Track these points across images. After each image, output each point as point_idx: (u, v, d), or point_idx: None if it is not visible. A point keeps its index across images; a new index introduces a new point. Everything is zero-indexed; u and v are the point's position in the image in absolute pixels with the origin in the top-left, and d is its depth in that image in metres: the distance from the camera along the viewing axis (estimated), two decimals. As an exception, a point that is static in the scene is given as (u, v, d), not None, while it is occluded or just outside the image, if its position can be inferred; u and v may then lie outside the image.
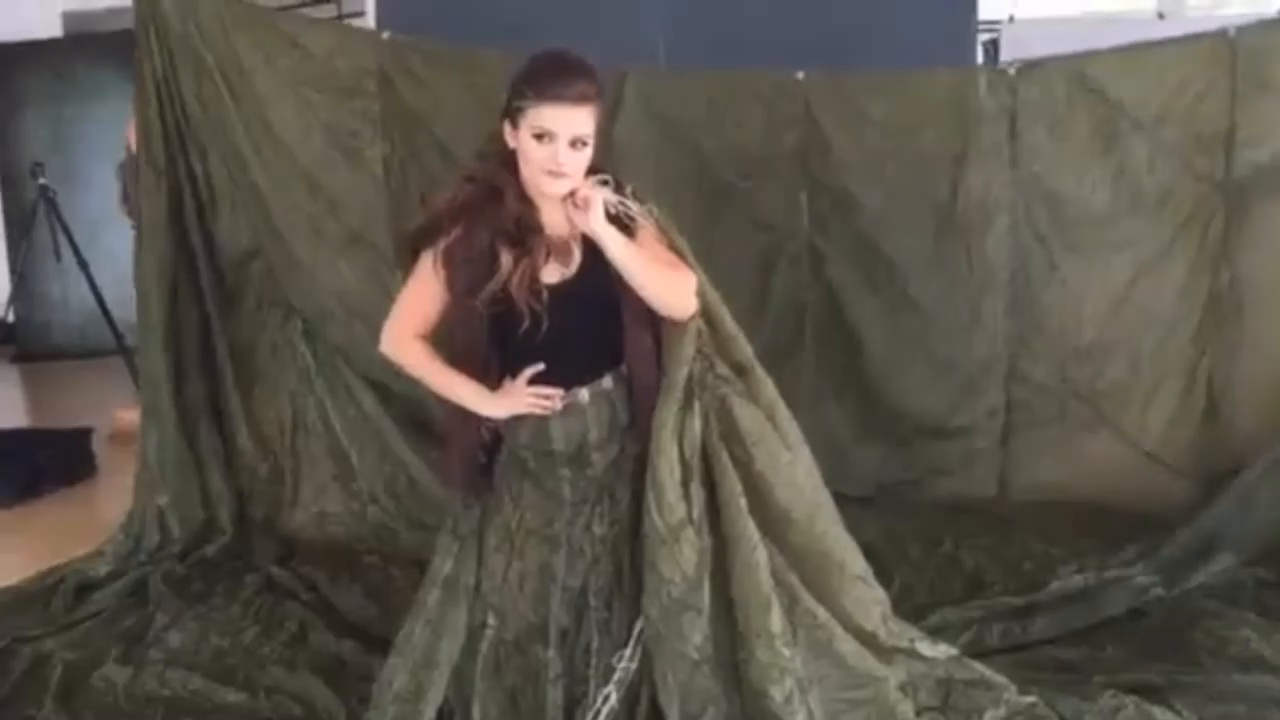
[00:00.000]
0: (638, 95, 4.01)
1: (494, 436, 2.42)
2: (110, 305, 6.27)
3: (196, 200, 3.99)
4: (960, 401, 4.14)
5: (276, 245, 4.02)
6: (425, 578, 2.46)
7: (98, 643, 3.28)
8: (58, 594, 3.57)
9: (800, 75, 4.04)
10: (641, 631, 2.31)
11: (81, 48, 7.93)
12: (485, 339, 2.28)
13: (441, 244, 2.23)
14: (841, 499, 3.81)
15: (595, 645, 2.36)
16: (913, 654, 2.50)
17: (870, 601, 2.45)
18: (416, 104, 3.92)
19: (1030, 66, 3.95)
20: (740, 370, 2.39)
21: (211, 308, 4.05)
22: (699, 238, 3.90)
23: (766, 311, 4.13)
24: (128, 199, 4.16)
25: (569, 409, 2.33)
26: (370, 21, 5.53)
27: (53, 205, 6.23)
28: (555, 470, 2.38)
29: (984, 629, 3.15)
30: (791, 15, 4.68)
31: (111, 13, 7.53)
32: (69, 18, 8.29)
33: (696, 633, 2.27)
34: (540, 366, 2.28)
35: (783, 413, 2.41)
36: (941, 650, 2.54)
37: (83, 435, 5.11)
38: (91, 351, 7.34)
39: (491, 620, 2.38)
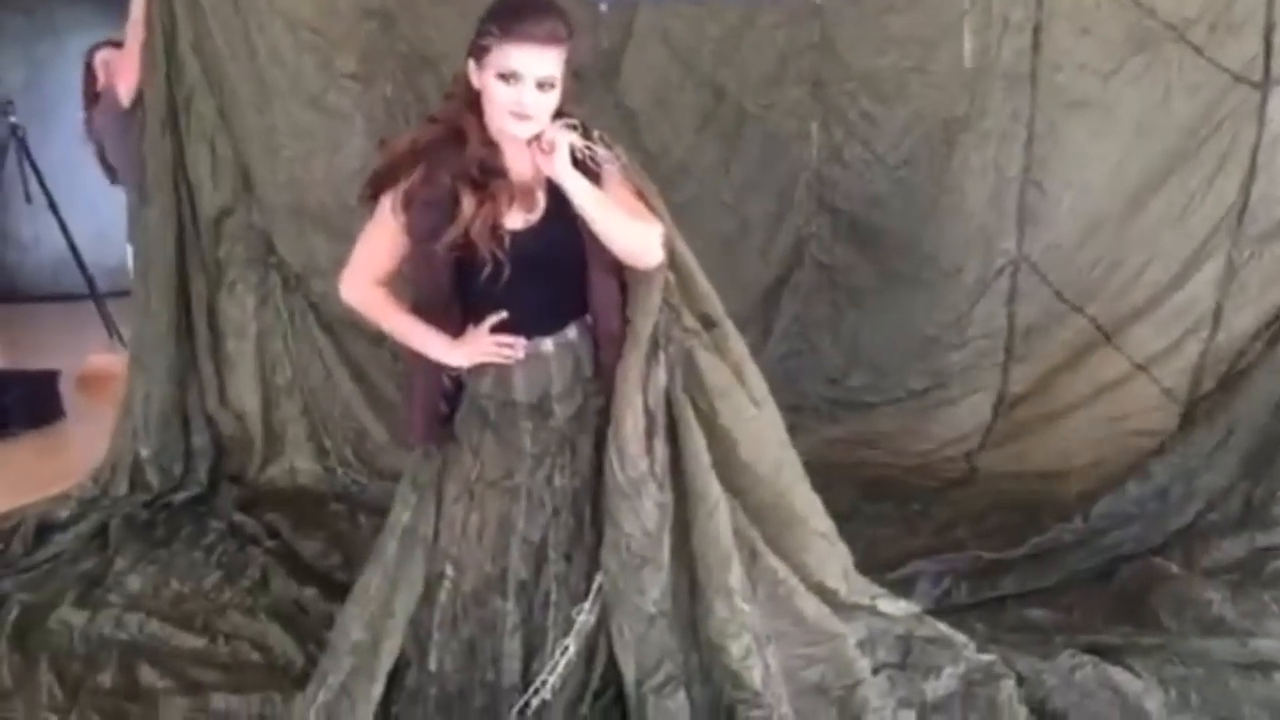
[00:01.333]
0: (650, 27, 3.95)
1: (456, 385, 2.37)
2: (82, 248, 6.19)
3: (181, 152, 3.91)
4: (963, 319, 4.08)
5: (264, 192, 3.94)
6: (384, 528, 2.42)
7: (55, 584, 3.26)
8: (17, 535, 3.53)
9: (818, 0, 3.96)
10: (601, 585, 2.28)
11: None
12: (447, 285, 2.23)
13: (401, 186, 2.17)
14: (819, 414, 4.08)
15: (554, 598, 2.33)
16: (874, 611, 2.49)
17: (832, 558, 2.43)
18: (421, 45, 3.84)
19: None
20: (708, 323, 2.35)
21: (190, 266, 3.98)
22: (716, 170, 4.03)
23: (777, 241, 4.14)
24: (106, 158, 4.05)
25: (532, 358, 2.29)
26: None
27: (23, 145, 6.12)
28: (517, 421, 2.34)
29: (954, 584, 3.14)
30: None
31: (89, -51, 7.39)
32: (43, -47, 8.11)
33: (655, 587, 2.25)
34: (503, 314, 2.24)
35: (751, 368, 2.38)
36: (902, 607, 2.53)
37: (49, 378, 5.05)
38: (63, 294, 7.25)
39: (449, 571, 2.35)
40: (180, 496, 3.85)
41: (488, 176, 2.16)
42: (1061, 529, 3.27)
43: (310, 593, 3.12)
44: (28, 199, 6.18)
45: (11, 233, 7.81)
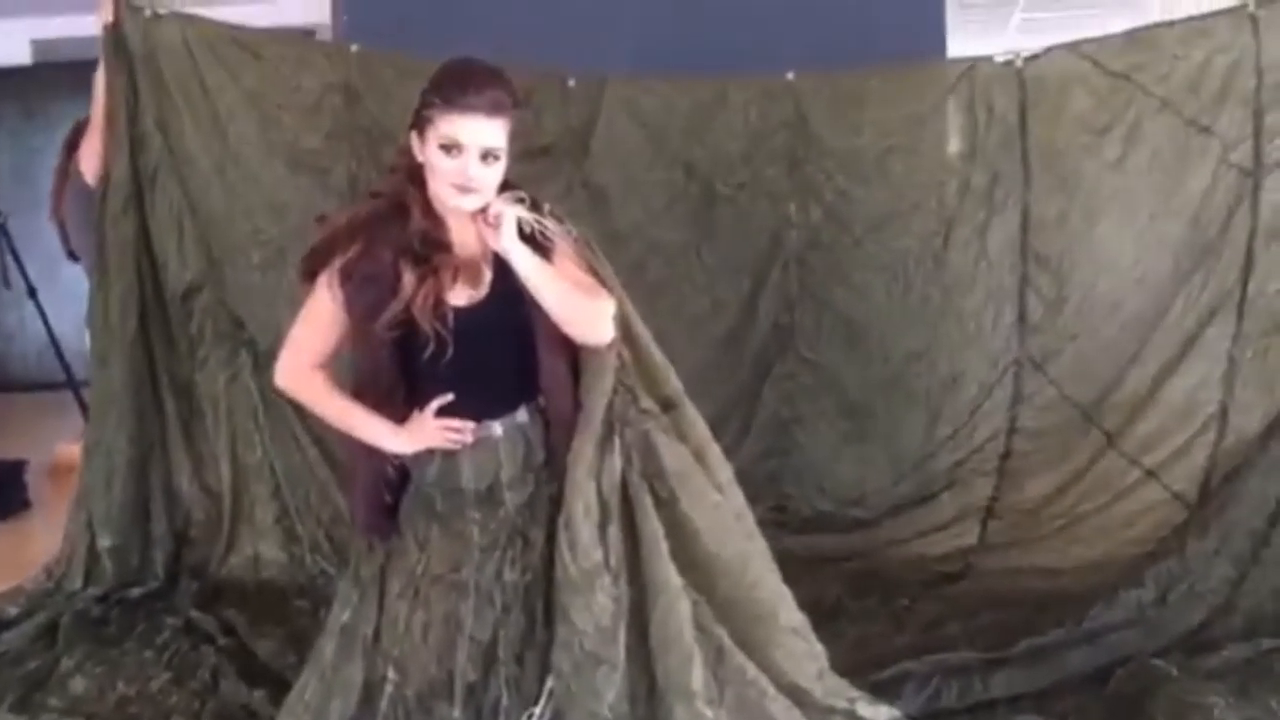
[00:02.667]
0: (618, 102, 3.88)
1: (401, 474, 2.23)
2: (67, 336, 6.08)
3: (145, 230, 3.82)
4: (959, 430, 3.91)
5: (235, 272, 3.84)
6: (323, 628, 2.27)
7: (-4, 687, 3.07)
8: (-38, 635, 3.35)
9: (790, 76, 3.89)
10: (552, 688, 2.12)
11: (50, 77, 7.77)
12: (389, 367, 2.11)
13: (338, 262, 2.06)
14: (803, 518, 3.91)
15: (505, 702, 2.16)
16: (851, 716, 2.31)
17: (805, 656, 2.27)
18: (386, 120, 3.76)
19: (1036, 56, 3.75)
20: (667, 405, 2.22)
21: (156, 343, 3.86)
22: (687, 250, 3.93)
23: (754, 327, 4.00)
24: (69, 238, 3.97)
25: (480, 444, 2.16)
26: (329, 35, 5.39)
27: (3, 231, 6.04)
28: (464, 511, 2.20)
29: (943, 686, 2.95)
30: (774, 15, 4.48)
31: (82, 42, 7.38)
32: (38, 46, 8.14)
33: (610, 689, 2.08)
34: (449, 397, 2.11)
35: (714, 451, 2.24)
36: (884, 713, 2.36)
37: (15, 468, 4.91)
38: (48, 383, 7.14)
39: (392, 674, 2.18)
40: (136, 592, 3.68)
41: (431, 251, 2.05)
42: (1056, 632, 3.08)
43: (260, 695, 2.93)
44: (6, 285, 6.07)
45: (3, 322, 7.73)
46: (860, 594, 3.62)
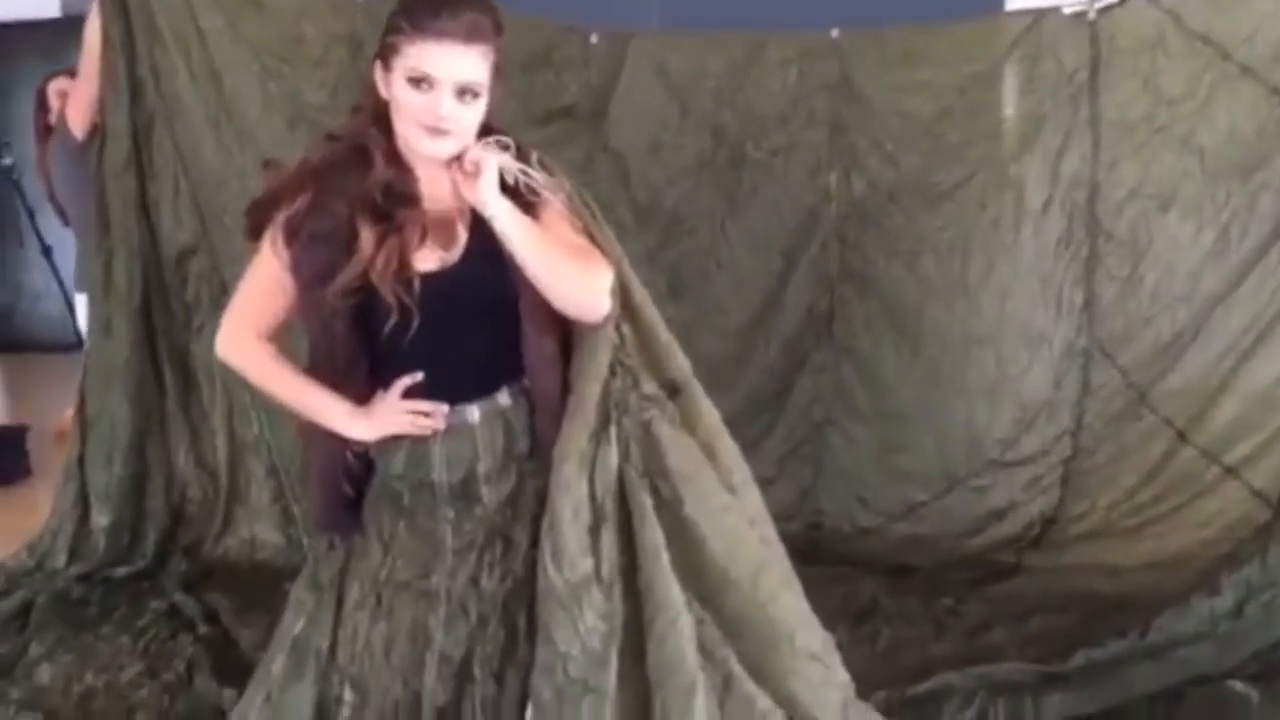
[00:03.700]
0: (643, 60, 3.57)
1: (363, 463, 1.94)
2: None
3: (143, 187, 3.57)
4: (1021, 430, 3.56)
5: (227, 236, 3.58)
6: (273, 639, 1.99)
7: (-43, 673, 2.86)
8: (-68, 615, 3.14)
9: (835, 33, 3.55)
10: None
11: (79, 30, 7.55)
12: (346, 340, 1.82)
13: (282, 215, 1.77)
14: (842, 536, 3.60)
15: (479, 728, 1.88)
16: (880, 757, 2.00)
17: (827, 685, 1.96)
18: None
19: (1111, 6, 3.41)
20: (673, 390, 1.91)
21: (155, 309, 3.61)
22: (712, 223, 3.63)
23: (784, 311, 3.66)
24: (56, 197, 3.73)
25: (453, 430, 1.87)
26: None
27: (17, 187, 5.85)
28: (435, 508, 1.91)
29: (988, 703, 2.64)
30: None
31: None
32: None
33: (598, 722, 1.78)
34: (418, 376, 1.82)
35: (726, 445, 1.94)
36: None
37: (16, 434, 4.70)
38: (70, 345, 6.98)
39: (349, 696, 1.89)
40: (121, 571, 3.46)
41: (394, 205, 1.75)
42: (1117, 643, 2.76)
43: (230, 695, 2.67)
44: (20, 243, 5.90)
45: (21, 280, 7.55)
46: (898, 592, 3.34)
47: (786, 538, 3.36)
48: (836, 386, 3.71)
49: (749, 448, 3.47)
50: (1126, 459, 3.46)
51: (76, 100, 3.52)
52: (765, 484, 3.39)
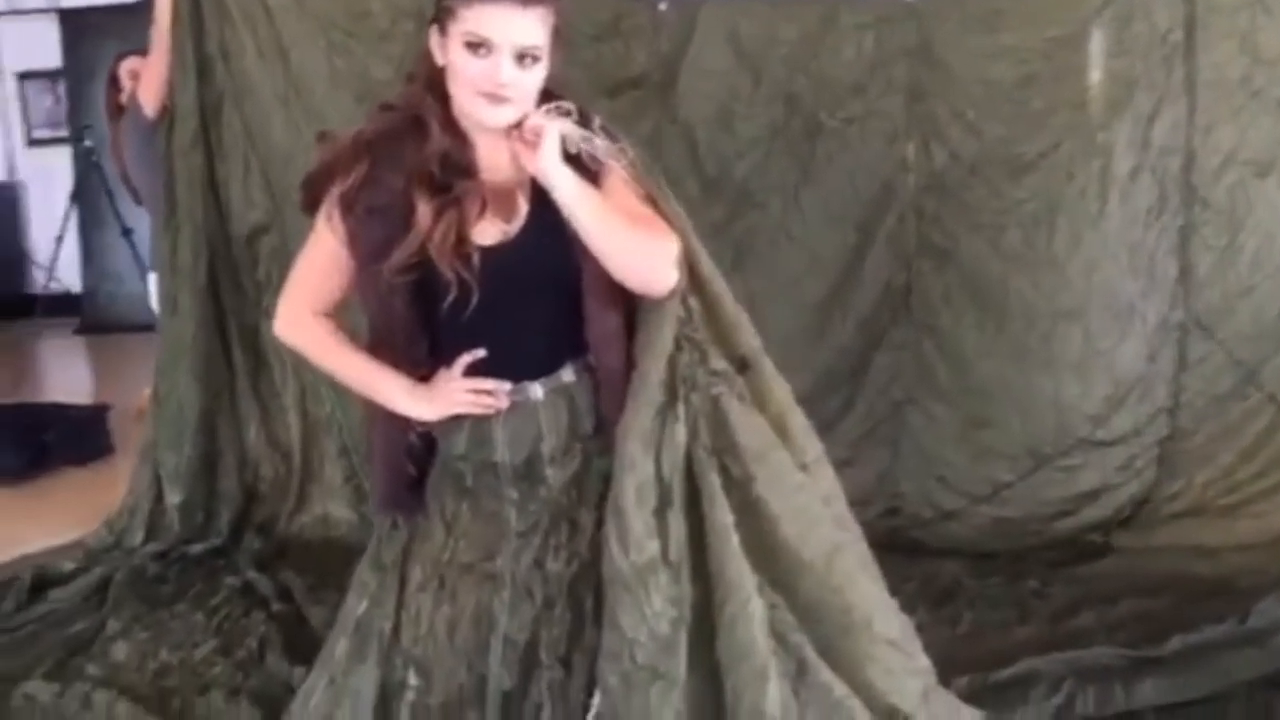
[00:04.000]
0: (714, 28, 3.45)
1: (426, 442, 1.90)
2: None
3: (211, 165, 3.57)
4: (1112, 407, 3.41)
5: (298, 214, 3.56)
6: (337, 621, 1.96)
7: (36, 650, 2.92)
8: (12, 590, 3.20)
9: None
10: (598, 709, 1.77)
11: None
12: (406, 317, 1.77)
13: (337, 189, 1.72)
14: (922, 520, 3.50)
15: (547, 714, 1.82)
16: (964, 746, 1.92)
17: (906, 673, 1.87)
18: None
19: None
20: (742, 365, 1.83)
21: (224, 288, 3.62)
22: (784, 194, 3.52)
23: (861, 287, 3.53)
24: (129, 177, 3.75)
25: (516, 409, 1.81)
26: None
27: (97, 169, 5.94)
28: (499, 489, 1.85)
29: (1077, 690, 2.53)
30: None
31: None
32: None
33: (667, 709, 1.72)
34: (479, 353, 1.77)
35: (798, 422, 1.86)
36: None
37: (98, 412, 4.78)
38: (151, 324, 7.09)
39: (413, 679, 1.85)
40: (197, 548, 3.49)
41: (452, 176, 1.70)
42: (1214, 628, 2.63)
43: (301, 673, 2.64)
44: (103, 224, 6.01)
45: (109, 262, 7.69)
46: (981, 573, 3.24)
47: (863, 523, 3.30)
48: (916, 364, 3.57)
49: (824, 428, 3.37)
50: (1226, 437, 3.30)
51: (148, 79, 3.53)
52: (841, 466, 3.28)
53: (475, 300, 1.69)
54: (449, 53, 1.68)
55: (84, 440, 4.61)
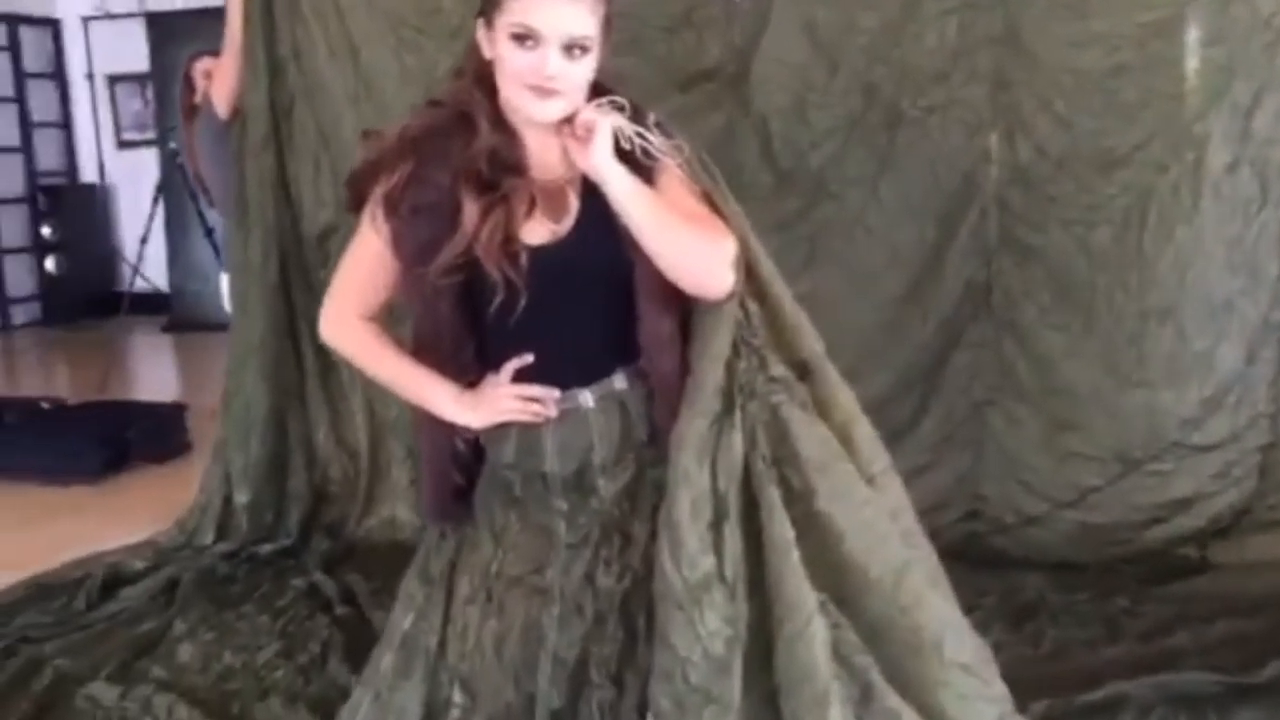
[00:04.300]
0: (790, 17, 3.33)
1: (474, 450, 1.84)
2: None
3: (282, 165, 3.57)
4: (1208, 412, 3.22)
5: None
6: (383, 634, 1.90)
7: (102, 650, 2.91)
8: (83, 589, 3.22)
9: None
10: (650, 730, 1.69)
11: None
12: (452, 320, 1.71)
13: (381, 188, 1.66)
14: (1004, 526, 3.37)
15: (598, 733, 1.75)
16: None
17: (981, 699, 1.76)
18: None
19: None
20: (803, 371, 1.74)
21: (295, 288, 3.61)
22: (862, 187, 3.38)
23: (941, 282, 3.38)
24: (201, 177, 3.78)
25: (566, 417, 1.74)
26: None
27: (182, 170, 6.01)
28: (548, 500, 1.79)
29: (1169, 716, 2.39)
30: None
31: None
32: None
33: (721, 734, 1.64)
34: (528, 359, 1.70)
35: (864, 431, 1.76)
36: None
37: (176, 411, 4.83)
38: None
39: (458, 697, 1.79)
40: (266, 548, 3.48)
41: (500, 174, 1.63)
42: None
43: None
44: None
45: (195, 261, 7.82)
46: (1066, 587, 3.07)
47: (943, 529, 3.21)
48: (997, 363, 3.42)
49: (902, 430, 3.33)
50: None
51: (220, 80, 3.53)
52: (920, 470, 3.29)
53: (523, 302, 1.62)
54: (496, 45, 1.62)
55: (163, 438, 4.68)
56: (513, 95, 1.62)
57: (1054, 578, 3.13)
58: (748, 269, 1.70)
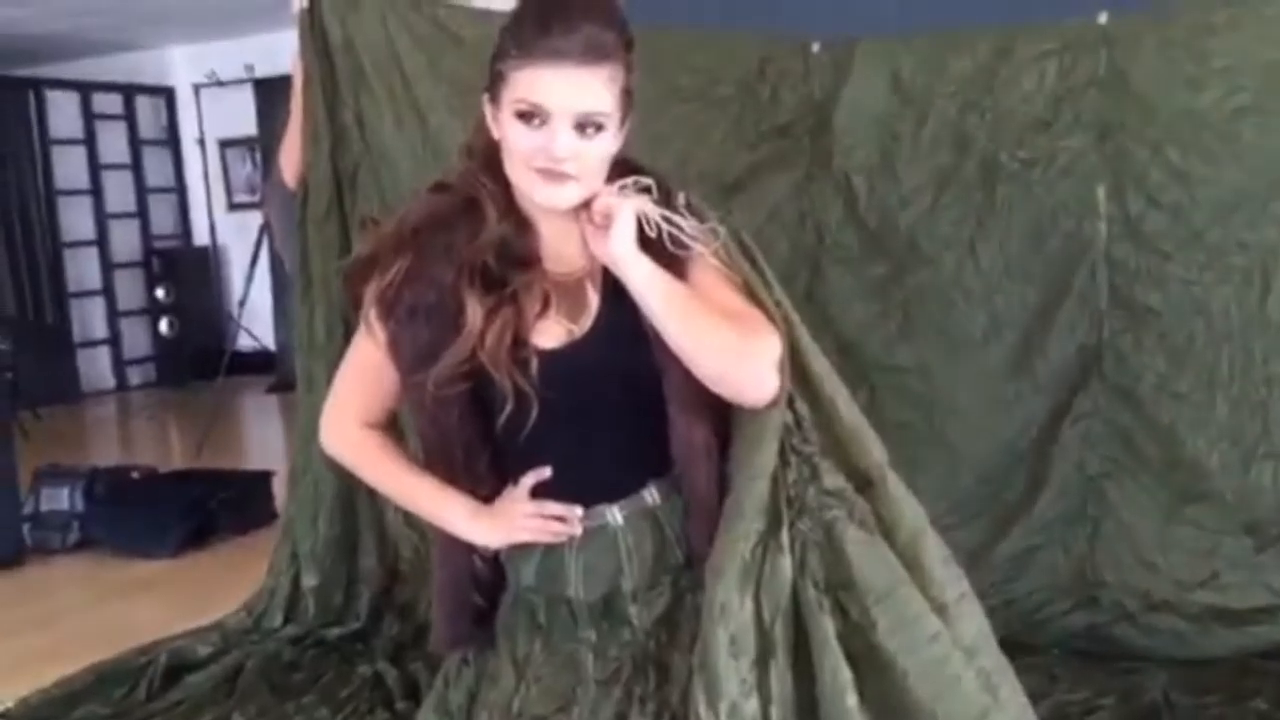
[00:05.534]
0: (872, 67, 3.14)
1: (494, 569, 1.65)
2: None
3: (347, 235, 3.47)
4: None
5: None
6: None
7: (160, 747, 2.80)
8: (146, 676, 3.12)
9: (1103, 18, 3.01)
10: None
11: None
12: (461, 430, 1.53)
13: (374, 286, 1.50)
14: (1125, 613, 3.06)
15: None
16: None
17: None
18: None
19: None
20: (864, 483, 1.52)
21: None
22: (957, 249, 3.11)
23: (1048, 349, 3.12)
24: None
25: (592, 536, 1.55)
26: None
27: (267, 229, 6.06)
28: (575, 629, 1.59)
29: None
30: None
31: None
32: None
33: None
34: (545, 473, 1.51)
35: (934, 552, 1.52)
36: None
37: (262, 479, 4.78)
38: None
39: (479, 844, 1.61)
40: (335, 632, 3.35)
41: (508, 268, 1.46)
42: None
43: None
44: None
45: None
46: (1194, 688, 2.75)
47: (1057, 618, 2.90)
48: (1113, 434, 3.12)
49: (1012, 511, 3.06)
50: None
51: (288, 149, 3.45)
52: (1031, 551, 3.01)
53: (535, 413, 1.43)
54: (501, 125, 1.45)
55: (248, 508, 4.62)
56: (520, 180, 1.45)
57: (1181, 675, 2.81)
58: (798, 367, 1.50)
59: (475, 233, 1.47)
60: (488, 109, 1.49)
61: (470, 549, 1.61)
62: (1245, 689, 2.73)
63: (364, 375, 1.59)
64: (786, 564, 1.47)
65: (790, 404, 1.50)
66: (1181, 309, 2.95)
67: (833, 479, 1.51)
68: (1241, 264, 2.87)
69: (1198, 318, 2.93)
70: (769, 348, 1.45)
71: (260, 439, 7.10)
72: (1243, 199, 2.88)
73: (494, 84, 1.47)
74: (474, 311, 1.43)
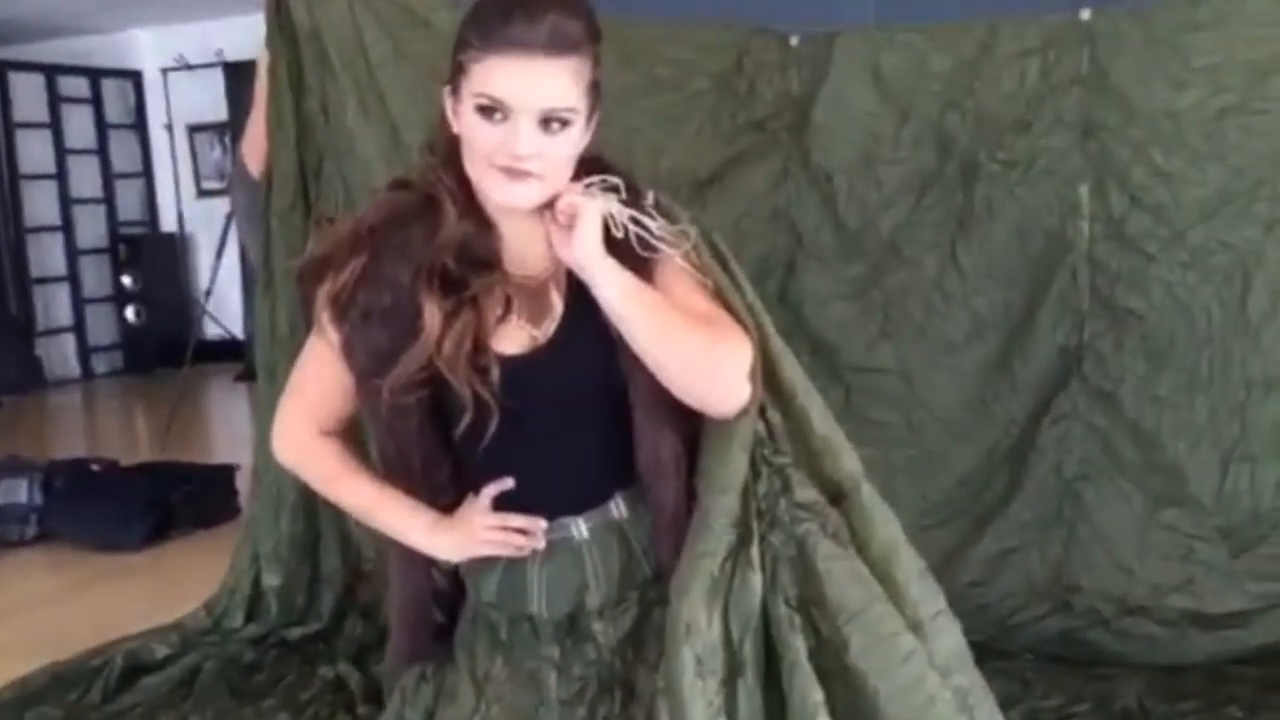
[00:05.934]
0: (852, 63, 3.09)
1: (454, 582, 1.59)
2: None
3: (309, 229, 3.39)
4: None
5: None
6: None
7: (108, 749, 2.72)
8: (100, 678, 3.03)
9: (1085, 14, 2.96)
10: None
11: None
12: (421, 440, 1.46)
13: (327, 288, 1.42)
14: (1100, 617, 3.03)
15: None
16: None
17: None
18: None
19: None
20: (838, 495, 1.46)
21: None
22: (939, 250, 3.04)
23: (1029, 351, 3.08)
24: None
25: (555, 550, 1.48)
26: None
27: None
28: (537, 646, 1.53)
29: None
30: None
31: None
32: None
33: None
34: (507, 484, 1.45)
35: (911, 567, 1.47)
36: None
37: (224, 473, 4.68)
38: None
39: None
40: (297, 633, 3.27)
41: (468, 270, 1.39)
42: None
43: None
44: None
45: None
46: (1170, 694, 2.72)
47: (1032, 623, 2.86)
48: (1092, 437, 3.09)
49: (989, 512, 3.02)
50: None
51: (252, 137, 3.37)
52: (1007, 554, 2.97)
53: (495, 422, 1.37)
54: (461, 119, 1.38)
55: (211, 503, 4.54)
56: (480, 177, 1.38)
57: (1156, 681, 2.78)
58: (769, 374, 1.44)
59: (434, 232, 1.40)
60: (448, 102, 1.42)
61: (429, 562, 1.55)
62: (1221, 695, 2.70)
63: (319, 381, 1.52)
64: (757, 580, 1.41)
65: (762, 413, 1.44)
66: (1163, 310, 2.91)
67: (805, 491, 1.45)
68: (1224, 265, 2.84)
69: (1179, 319, 2.90)
70: (740, 355, 1.39)
71: (227, 428, 7.00)
72: (1226, 199, 2.85)
73: (454, 76, 1.40)
74: (432, 315, 1.36)
